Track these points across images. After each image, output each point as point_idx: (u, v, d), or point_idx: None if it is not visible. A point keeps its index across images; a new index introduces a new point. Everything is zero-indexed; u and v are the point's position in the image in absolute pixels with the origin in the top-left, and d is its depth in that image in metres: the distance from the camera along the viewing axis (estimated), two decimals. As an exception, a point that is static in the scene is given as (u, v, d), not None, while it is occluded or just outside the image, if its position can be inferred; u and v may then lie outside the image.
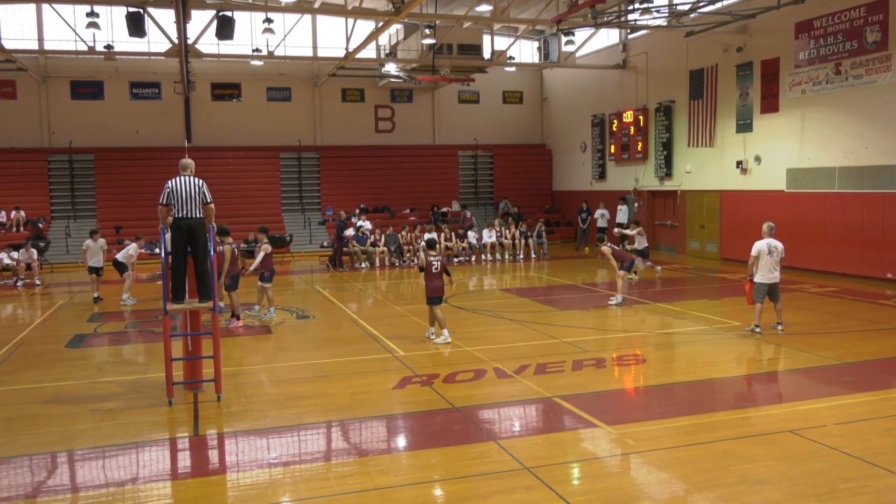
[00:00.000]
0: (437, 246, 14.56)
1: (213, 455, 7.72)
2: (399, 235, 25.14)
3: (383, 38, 28.31)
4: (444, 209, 30.71)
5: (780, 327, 12.42)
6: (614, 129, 28.44)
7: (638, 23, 23.40)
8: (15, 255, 21.71)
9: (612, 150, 28.75)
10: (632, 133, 27.31)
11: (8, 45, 24.20)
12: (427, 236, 23.04)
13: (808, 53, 19.66)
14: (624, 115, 27.75)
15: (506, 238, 25.52)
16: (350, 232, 24.02)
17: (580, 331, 13.21)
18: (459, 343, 12.16)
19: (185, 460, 7.59)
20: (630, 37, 27.34)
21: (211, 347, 9.19)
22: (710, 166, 23.71)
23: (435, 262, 12.21)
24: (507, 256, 25.16)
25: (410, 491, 6.45)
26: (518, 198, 31.87)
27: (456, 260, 24.89)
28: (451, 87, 32.32)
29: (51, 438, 7.91)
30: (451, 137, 33.27)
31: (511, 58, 29.04)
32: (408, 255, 24.75)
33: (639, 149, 26.93)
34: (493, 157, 33.65)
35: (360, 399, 9.18)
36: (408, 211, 30.53)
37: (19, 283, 20.97)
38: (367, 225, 25.40)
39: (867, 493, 6.16)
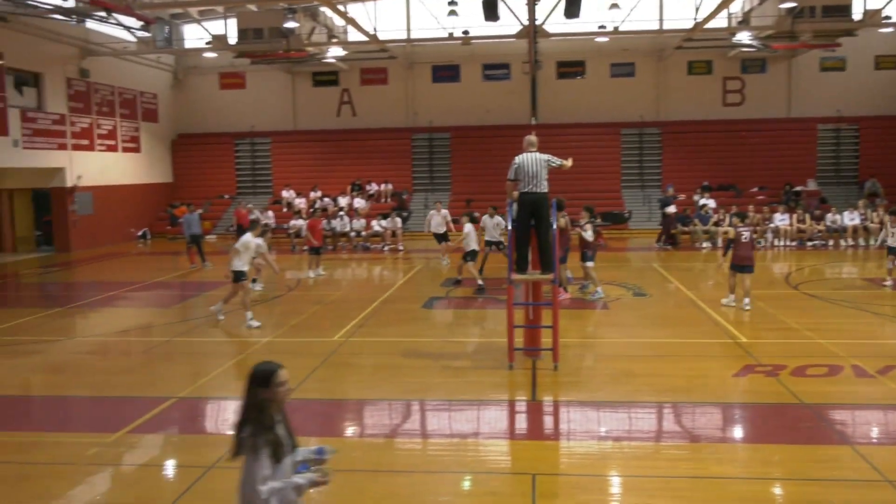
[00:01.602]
0: (748, 218, 15.08)
1: (548, 420, 8.05)
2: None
3: (735, 6, 26.57)
4: (799, 188, 28.12)
5: None
6: None
7: None
8: (384, 223, 24.60)
9: None
10: None
11: (382, 36, 27.15)
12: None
13: None
14: None
15: (872, 221, 22.69)
16: (672, 209, 23.11)
17: (964, 332, 11.34)
18: (811, 334, 11.14)
19: (521, 422, 8.02)
20: None
21: (550, 318, 9.53)
22: None
23: (745, 233, 13.03)
24: (871, 242, 22.37)
25: (748, 485, 6.11)
26: (888, 176, 28.00)
27: (809, 244, 22.76)
28: (812, 54, 29.31)
29: (408, 388, 8.86)
30: (809, 109, 30.25)
31: (888, 17, 25.44)
32: (755, 236, 23.13)
33: None
34: (859, 130, 29.94)
35: (696, 383, 8.88)
36: (756, 189, 28.52)
37: (385, 248, 23.72)
38: (711, 203, 24.28)
39: None
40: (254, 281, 15.33)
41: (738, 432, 7.59)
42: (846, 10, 23.82)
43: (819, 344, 10.58)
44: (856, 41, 27.25)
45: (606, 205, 27.22)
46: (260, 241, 13.00)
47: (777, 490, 6.12)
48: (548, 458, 6.84)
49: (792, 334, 11.22)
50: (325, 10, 26.82)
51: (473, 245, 15.73)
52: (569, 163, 9.68)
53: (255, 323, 12.19)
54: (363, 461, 6.72)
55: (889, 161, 28.80)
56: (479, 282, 15.42)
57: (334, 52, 29.27)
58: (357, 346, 10.99)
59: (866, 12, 24.67)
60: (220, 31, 26.53)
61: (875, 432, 7.45)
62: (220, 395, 8.86)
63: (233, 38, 25.83)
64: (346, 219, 25.47)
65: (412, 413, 8.17)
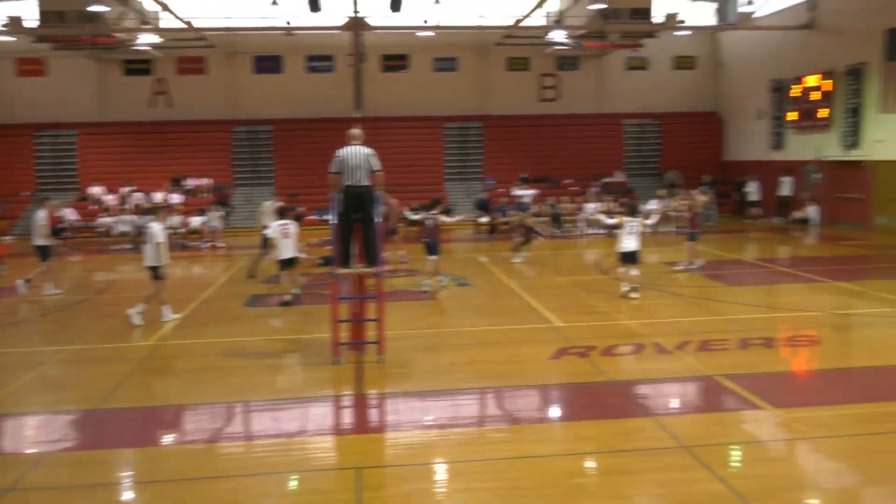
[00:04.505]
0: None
1: (374, 413, 8.10)
2: (559, 206, 24.90)
3: (551, 5, 27.86)
4: (607, 179, 30.02)
5: None
6: (795, 94, 26.52)
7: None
8: (202, 218, 23.61)
9: (792, 118, 26.85)
10: (815, 99, 25.35)
11: (198, 24, 26.02)
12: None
13: None
14: (807, 79, 25.75)
15: (672, 210, 24.60)
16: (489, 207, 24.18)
17: (748, 308, 12.57)
18: (618, 316, 11.96)
19: (347, 417, 8.01)
20: (818, -6, 25.26)
21: (375, 311, 9.57)
22: (905, 134, 21.61)
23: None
24: (672, 229, 24.26)
25: (563, 462, 6.46)
26: (686, 168, 30.50)
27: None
28: (619, 54, 31.34)
29: (231, 389, 8.59)
30: (617, 105, 32.34)
31: (683, 21, 27.66)
32: (567, 225, 24.54)
33: (822, 115, 24.98)
34: (660, 125, 32.41)
35: (516, 367, 9.27)
36: (569, 181, 30.11)
37: (205, 245, 22.80)
38: (527, 193, 25.42)
39: None
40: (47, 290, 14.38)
41: (554, 412, 8.01)
42: (649, 13, 25.66)
43: (625, 325, 11.38)
44: (657, 42, 29.46)
45: (429, 197, 27.63)
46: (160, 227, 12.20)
47: (590, 463, 6.52)
48: (374, 451, 6.89)
49: (602, 317, 11.98)
50: (136, -5, 25.35)
51: (288, 252, 13.49)
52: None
53: (173, 315, 12.10)
54: (181, 470, 6.45)
55: (687, 154, 31.41)
56: (286, 297, 13.49)
57: (147, 38, 27.70)
58: (175, 349, 10.52)
59: (666, 16, 26.68)
60: (18, 13, 24.32)
61: (674, 404, 8.11)
62: (17, 412, 8.17)
63: (32, 21, 23.77)
64: (150, 216, 24.21)
65: (235, 415, 7.93)
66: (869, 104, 23.04)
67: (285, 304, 13.31)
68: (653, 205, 24.25)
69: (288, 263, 13.48)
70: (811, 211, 25.39)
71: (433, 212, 14.57)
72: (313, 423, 7.66)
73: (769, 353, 9.74)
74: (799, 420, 7.22)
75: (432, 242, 14.38)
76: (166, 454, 6.89)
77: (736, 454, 6.63)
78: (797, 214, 25.86)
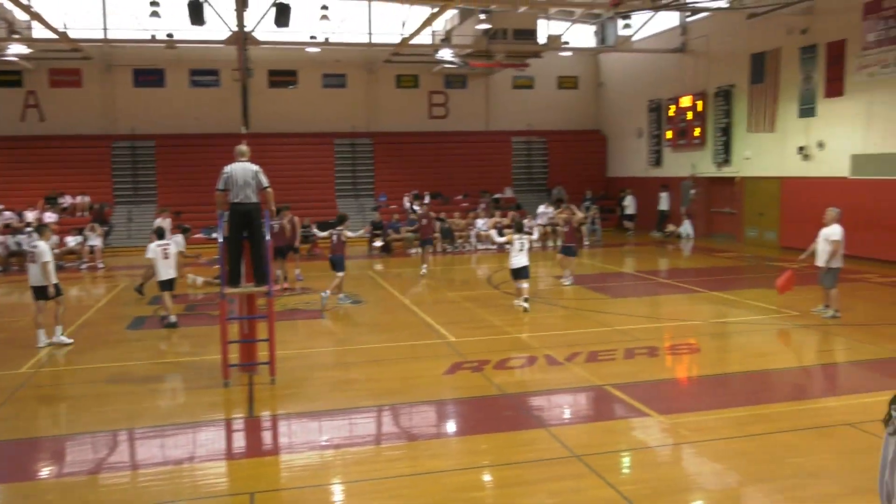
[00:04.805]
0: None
1: (267, 436, 7.90)
2: (451, 221, 25.17)
3: (438, 24, 28.25)
4: (497, 195, 30.60)
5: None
6: (671, 114, 27.91)
7: (698, 5, 22.88)
8: (79, 238, 22.44)
9: (669, 136, 28.24)
10: (689, 118, 26.76)
11: (73, 35, 24.87)
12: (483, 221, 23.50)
13: (877, 35, 18.94)
14: (681, 99, 27.20)
15: (559, 225, 25.31)
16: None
17: (633, 319, 13.06)
18: (510, 330, 12.17)
19: (239, 440, 7.78)
20: (689, 20, 26.74)
21: (266, 331, 9.36)
22: (770, 152, 23.10)
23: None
24: (559, 243, 24.94)
25: (460, 476, 6.49)
26: (572, 184, 31.50)
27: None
28: (506, 73, 32.09)
29: (114, 416, 8.18)
30: (504, 123, 33.08)
31: (566, 42, 28.67)
32: (459, 241, 24.85)
33: (696, 134, 26.39)
34: (546, 143, 33.35)
35: (410, 384, 9.26)
36: (460, 197, 30.50)
37: (83, 266, 21.68)
38: (420, 210, 25.56)
39: (929, 489, 5.97)
40: None
41: (450, 427, 8.04)
42: (533, 34, 26.43)
43: (517, 338, 11.60)
44: (542, 62, 30.37)
45: (322, 214, 27.40)
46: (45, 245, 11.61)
47: (486, 477, 6.57)
48: (267, 475, 6.71)
49: (494, 331, 12.16)
50: (4, 2, 23.96)
51: (168, 272, 13.13)
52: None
53: (67, 339, 11.51)
54: None
55: (573, 170, 32.44)
56: (172, 318, 12.93)
57: (16, 49, 26.21)
58: (52, 377, 9.96)
59: (549, 37, 27.56)
60: None
61: (566, 414, 8.31)
62: None
63: None
64: (35, 235, 22.87)
65: (119, 444, 7.55)
66: (738, 123, 24.52)
67: (170, 325, 12.87)
68: (540, 219, 24.88)
69: (168, 285, 13.17)
70: (685, 225, 26.75)
71: (339, 228, 14.75)
72: (203, 448, 7.39)
73: (653, 361, 10.13)
74: (683, 425, 7.53)
75: (338, 258, 14.60)
76: (43, 489, 6.47)
77: (625, 460, 6.85)
78: (672, 228, 27.18)
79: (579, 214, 18.69)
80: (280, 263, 16.45)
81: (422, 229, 18.85)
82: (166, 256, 13.16)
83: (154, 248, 13.15)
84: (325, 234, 15.16)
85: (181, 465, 6.87)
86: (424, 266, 18.52)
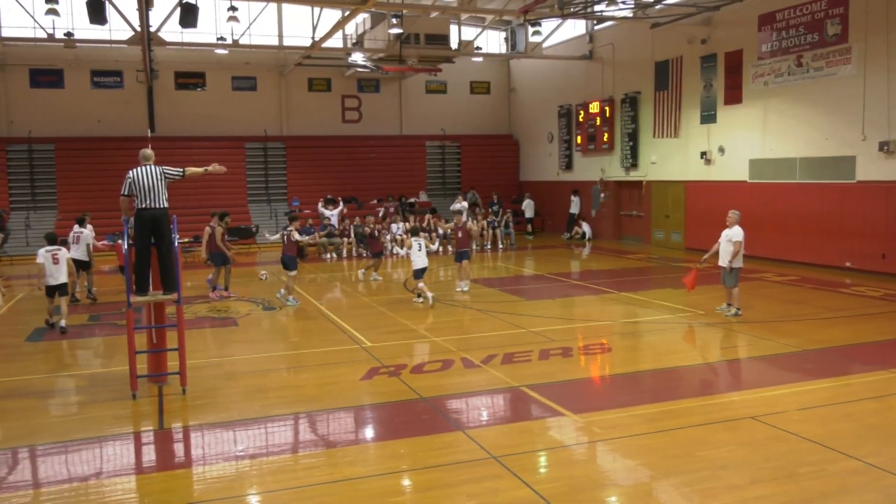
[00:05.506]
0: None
1: (179, 448, 7.66)
2: (365, 226, 25.01)
3: (350, 28, 28.08)
4: (412, 199, 30.65)
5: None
6: (581, 119, 28.59)
7: (604, 14, 23.51)
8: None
9: (579, 141, 28.91)
10: (598, 124, 27.47)
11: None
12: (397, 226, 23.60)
13: (770, 46, 19.93)
14: (590, 105, 27.90)
15: (473, 228, 25.54)
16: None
17: (546, 320, 13.29)
18: (427, 333, 12.20)
19: (149, 454, 7.52)
20: (596, 28, 27.49)
21: (175, 340, 9.09)
22: (675, 157, 23.96)
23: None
24: (474, 247, 25.17)
25: (379, 481, 6.45)
26: (486, 188, 31.85)
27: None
28: (419, 78, 32.19)
29: (11, 434, 7.78)
30: (418, 128, 33.17)
31: (478, 48, 28.99)
32: (431, 247, 24.78)
33: (605, 139, 27.12)
34: (460, 147, 33.62)
35: (327, 390, 9.16)
36: (375, 202, 30.40)
37: (-23, 276, 20.55)
38: (327, 213, 25.37)
39: (825, 476, 6.30)
40: None
41: (368, 432, 7.98)
42: (445, 39, 26.59)
43: (434, 342, 11.63)
44: (454, 68, 30.59)
45: (234, 220, 26.83)
46: None
47: (405, 481, 6.55)
48: (179, 488, 6.50)
49: (410, 335, 12.16)
50: None
51: (60, 277, 12.90)
52: (201, 170, 9.46)
53: None
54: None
55: (486, 174, 32.80)
56: (63, 324, 12.76)
57: None
58: (-58, 393, 9.37)
59: (461, 42, 27.78)
60: None
61: (483, 416, 8.37)
62: None
63: None
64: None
65: (18, 462, 7.17)
66: (644, 129, 25.33)
67: (62, 331, 12.69)
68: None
69: (62, 290, 12.96)
70: (585, 227, 27.58)
71: (289, 228, 15.35)
72: (111, 463, 7.10)
73: (567, 362, 10.34)
74: (596, 423, 7.71)
75: (289, 258, 15.21)
76: (-66, 513, 6.10)
77: (542, 460, 6.96)
78: (577, 230, 27.94)
79: (475, 228, 19.63)
80: (219, 270, 16.59)
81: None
82: (56, 262, 12.87)
83: (43, 254, 12.89)
84: (276, 236, 16.10)
85: (87, 482, 6.59)
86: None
